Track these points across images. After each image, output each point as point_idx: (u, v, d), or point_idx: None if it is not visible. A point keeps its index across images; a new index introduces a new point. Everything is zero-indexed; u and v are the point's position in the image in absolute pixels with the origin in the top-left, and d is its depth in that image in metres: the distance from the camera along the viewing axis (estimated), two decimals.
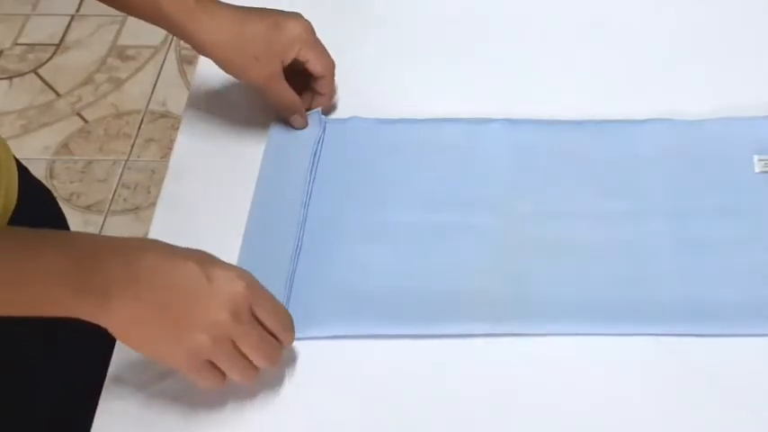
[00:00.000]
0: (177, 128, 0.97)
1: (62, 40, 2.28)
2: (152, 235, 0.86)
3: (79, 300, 0.67)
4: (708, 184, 0.85)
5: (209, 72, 0.99)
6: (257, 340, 0.71)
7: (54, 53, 2.26)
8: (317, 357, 0.77)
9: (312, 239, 0.83)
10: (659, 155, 0.87)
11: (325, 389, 0.76)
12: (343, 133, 0.90)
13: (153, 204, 0.85)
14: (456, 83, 0.95)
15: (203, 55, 0.88)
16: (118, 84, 2.18)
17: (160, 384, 0.77)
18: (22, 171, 0.89)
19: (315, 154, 0.89)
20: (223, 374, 0.71)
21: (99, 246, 0.69)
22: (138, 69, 2.21)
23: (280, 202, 0.86)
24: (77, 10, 2.34)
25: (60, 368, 0.90)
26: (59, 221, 0.99)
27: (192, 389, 0.76)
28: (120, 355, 0.78)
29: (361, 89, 0.95)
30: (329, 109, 0.93)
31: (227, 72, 0.88)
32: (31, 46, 2.27)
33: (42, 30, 2.31)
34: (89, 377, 0.80)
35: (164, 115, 2.12)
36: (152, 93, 2.16)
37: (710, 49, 0.97)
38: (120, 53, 2.24)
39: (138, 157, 2.05)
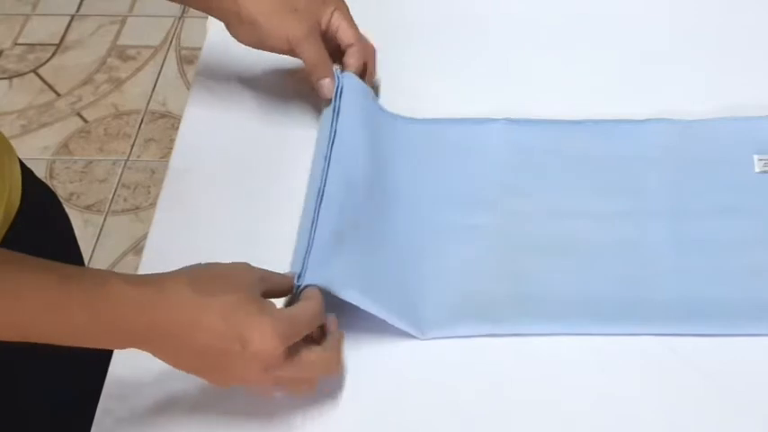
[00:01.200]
0: (177, 128, 0.97)
1: (62, 40, 2.28)
2: (152, 235, 0.86)
3: (104, 347, 0.69)
4: (708, 184, 0.85)
5: (209, 72, 0.99)
6: (295, 376, 0.71)
7: (54, 53, 2.26)
8: None
9: (326, 212, 0.81)
10: (659, 155, 0.87)
11: (326, 390, 0.76)
12: (358, 113, 0.89)
13: (153, 204, 0.86)
14: (454, 83, 0.95)
15: (236, 14, 0.86)
16: (118, 84, 2.18)
17: (160, 384, 0.77)
18: (27, 172, 0.89)
19: (334, 110, 0.87)
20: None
21: (123, 310, 0.66)
22: (138, 69, 2.21)
23: (314, 169, 0.86)
24: (77, 10, 2.34)
25: (60, 368, 0.90)
26: (63, 223, 0.99)
27: (193, 389, 0.76)
28: (120, 356, 0.78)
29: None
30: None
31: (260, 31, 0.86)
32: (31, 46, 2.27)
33: (42, 30, 2.31)
34: (89, 377, 0.80)
35: (164, 115, 2.12)
36: (152, 93, 2.16)
37: (710, 48, 0.97)
38: (121, 53, 2.24)
39: (138, 157, 2.05)
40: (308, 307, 0.72)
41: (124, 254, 1.87)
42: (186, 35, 2.26)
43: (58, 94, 2.17)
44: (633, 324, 0.77)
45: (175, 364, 0.70)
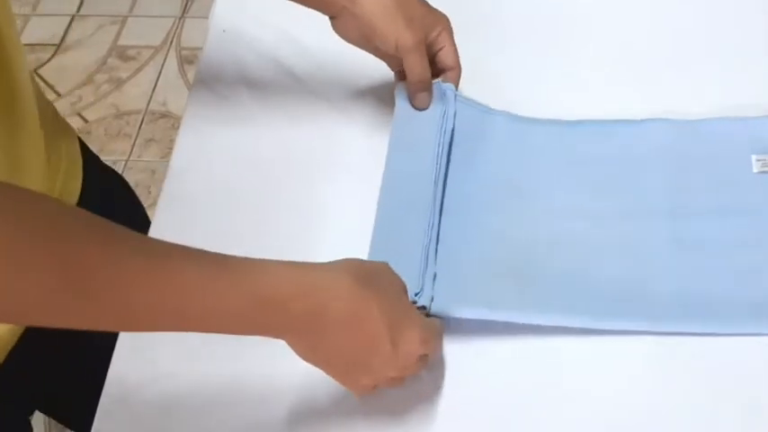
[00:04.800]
0: (177, 128, 0.97)
1: (62, 40, 2.28)
2: (152, 235, 0.86)
3: (253, 333, 0.67)
4: (706, 184, 0.85)
5: (209, 72, 0.99)
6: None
7: (54, 53, 2.26)
8: None
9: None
10: (658, 154, 0.87)
11: (323, 390, 0.76)
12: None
13: (153, 204, 0.86)
14: None
15: (349, 10, 0.86)
16: (118, 84, 2.18)
17: (160, 384, 0.77)
18: (92, 159, 0.91)
19: (441, 128, 0.87)
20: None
21: (284, 290, 0.65)
22: (139, 69, 2.21)
23: (409, 179, 0.85)
24: (78, 10, 2.35)
25: (59, 367, 0.90)
26: (133, 213, 1.00)
27: (193, 389, 0.76)
28: (120, 355, 0.78)
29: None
30: None
31: (371, 30, 0.87)
32: (32, 46, 2.27)
33: (42, 30, 2.31)
34: (89, 377, 0.80)
35: (164, 115, 2.12)
36: (152, 93, 2.16)
37: (711, 48, 0.96)
38: (121, 53, 2.24)
39: (139, 157, 2.05)
40: (439, 322, 0.75)
41: None
42: (186, 35, 2.26)
43: (59, 94, 2.17)
44: (632, 323, 0.77)
45: (311, 355, 0.69)
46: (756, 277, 0.79)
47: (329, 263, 0.68)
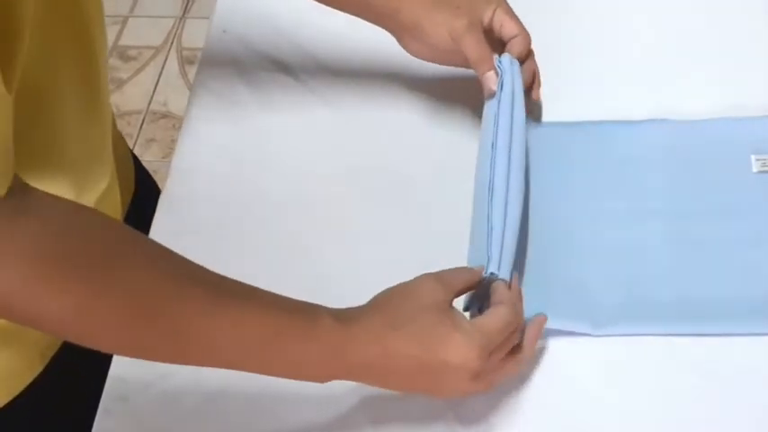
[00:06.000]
0: (178, 128, 0.97)
1: None
2: (153, 235, 0.86)
3: (314, 381, 0.70)
4: (706, 184, 0.85)
5: (210, 72, 0.99)
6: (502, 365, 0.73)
7: None
8: None
9: None
10: (658, 155, 0.87)
11: (324, 389, 0.76)
12: None
13: None
14: (452, 81, 0.95)
15: (398, 20, 0.86)
16: (119, 84, 2.18)
17: (161, 384, 0.77)
18: (136, 162, 0.94)
19: (499, 101, 0.84)
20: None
21: (334, 342, 0.68)
22: (140, 70, 2.21)
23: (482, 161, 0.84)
24: None
25: (59, 367, 0.90)
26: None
27: (193, 389, 0.76)
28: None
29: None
30: None
31: (423, 31, 0.86)
32: None
33: None
34: (89, 377, 0.80)
35: (165, 115, 2.12)
36: (153, 93, 2.16)
37: (711, 48, 0.97)
38: (122, 53, 2.24)
39: (140, 157, 2.05)
40: (501, 313, 0.72)
41: None
42: (187, 35, 2.26)
43: None
44: (633, 324, 0.77)
45: (387, 388, 0.72)
46: (756, 277, 0.79)
47: (367, 304, 0.71)
